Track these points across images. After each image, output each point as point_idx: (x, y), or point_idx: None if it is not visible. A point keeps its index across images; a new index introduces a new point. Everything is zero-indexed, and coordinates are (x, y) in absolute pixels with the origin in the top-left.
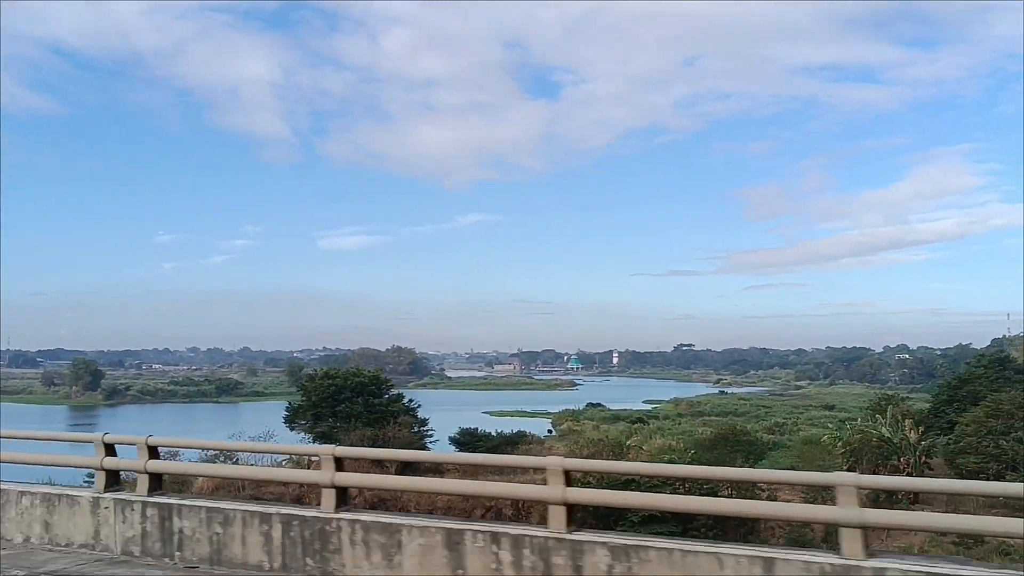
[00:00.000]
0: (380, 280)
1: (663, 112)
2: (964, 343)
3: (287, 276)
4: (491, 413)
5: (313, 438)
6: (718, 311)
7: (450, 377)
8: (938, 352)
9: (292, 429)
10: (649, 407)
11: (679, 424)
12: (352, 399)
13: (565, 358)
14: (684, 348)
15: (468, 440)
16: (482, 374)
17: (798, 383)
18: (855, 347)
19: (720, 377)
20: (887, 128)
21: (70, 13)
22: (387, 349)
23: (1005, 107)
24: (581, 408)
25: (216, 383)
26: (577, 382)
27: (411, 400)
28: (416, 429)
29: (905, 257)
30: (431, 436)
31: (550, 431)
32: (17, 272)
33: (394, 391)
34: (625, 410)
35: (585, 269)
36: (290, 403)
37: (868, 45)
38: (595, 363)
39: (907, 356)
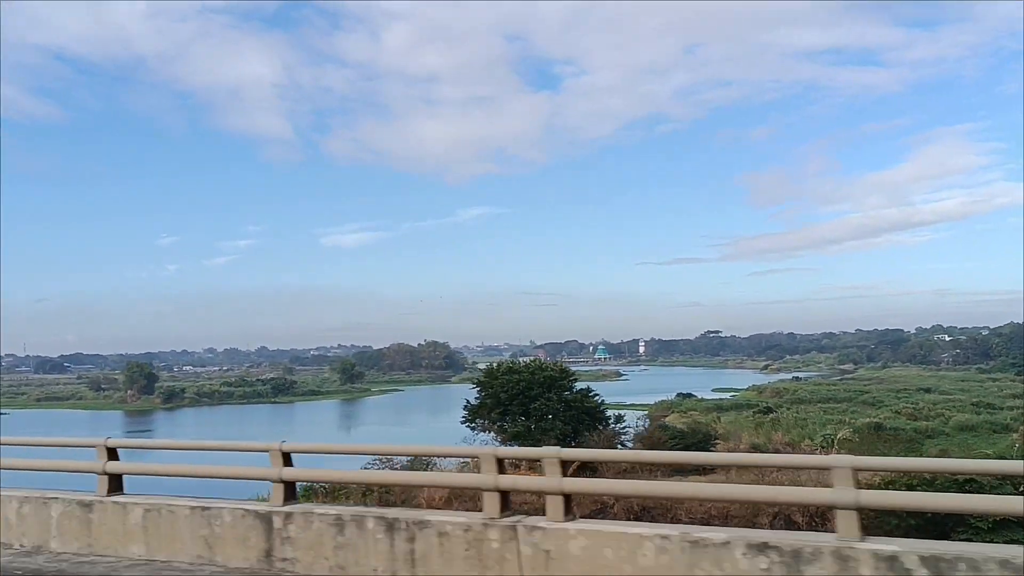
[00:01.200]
0: (385, 275)
1: (664, 101)
2: (979, 324)
3: (290, 274)
4: None
5: (503, 439)
6: (727, 297)
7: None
8: (986, 331)
9: (474, 429)
10: (725, 395)
11: (798, 412)
12: (544, 395)
13: (590, 348)
14: (711, 335)
15: (653, 438)
16: None
17: (841, 366)
18: (887, 329)
19: (767, 363)
20: (889, 110)
21: (72, 19)
22: (420, 344)
23: (1007, 86)
24: (672, 399)
25: (270, 383)
26: (622, 373)
27: (596, 394)
28: (609, 425)
29: (909, 239)
30: (626, 434)
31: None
32: (21, 278)
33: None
34: (716, 400)
35: (589, 260)
36: (468, 400)
37: (869, 27)
38: (622, 353)
39: (946, 337)
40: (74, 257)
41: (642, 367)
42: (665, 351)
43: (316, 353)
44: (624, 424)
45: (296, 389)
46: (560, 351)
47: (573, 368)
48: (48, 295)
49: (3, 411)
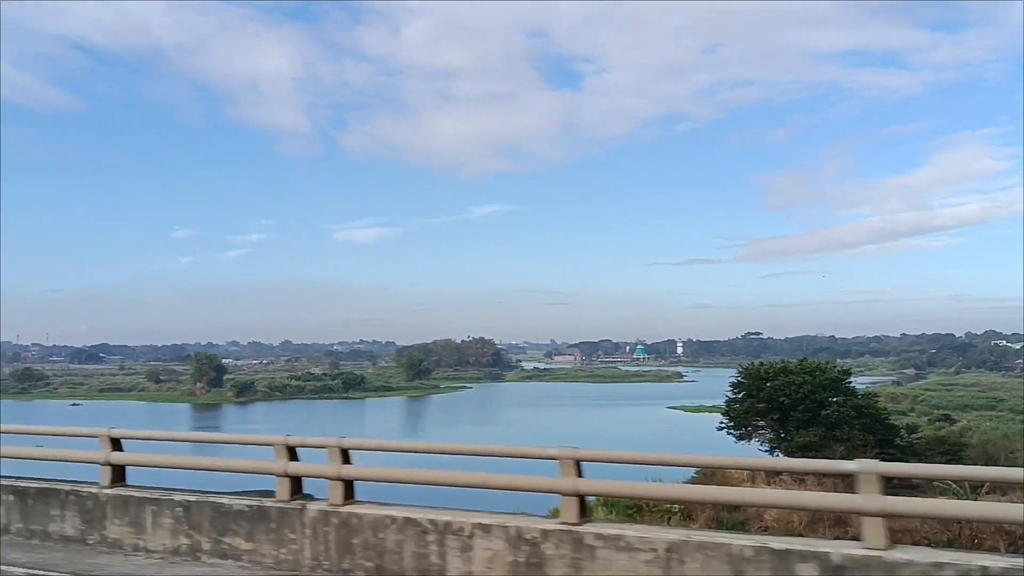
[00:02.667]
0: (397, 271)
1: (683, 100)
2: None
3: (301, 269)
4: (679, 408)
5: (785, 449)
6: (742, 299)
7: (538, 368)
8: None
9: (740, 438)
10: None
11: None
12: (833, 399)
13: (627, 348)
14: (751, 337)
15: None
16: (544, 366)
17: (903, 371)
18: (936, 333)
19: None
20: (910, 113)
21: (94, 9)
22: (464, 340)
23: None
24: None
25: (339, 377)
26: (683, 374)
27: (877, 398)
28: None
29: (926, 243)
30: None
31: None
32: (36, 267)
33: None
34: None
35: (601, 259)
36: (728, 405)
37: (892, 29)
38: (660, 353)
39: (1003, 342)
40: (88, 248)
41: (693, 368)
42: (705, 352)
43: (339, 348)
44: (918, 434)
45: (365, 385)
46: (595, 350)
47: (625, 368)
48: (63, 285)
49: (76, 402)
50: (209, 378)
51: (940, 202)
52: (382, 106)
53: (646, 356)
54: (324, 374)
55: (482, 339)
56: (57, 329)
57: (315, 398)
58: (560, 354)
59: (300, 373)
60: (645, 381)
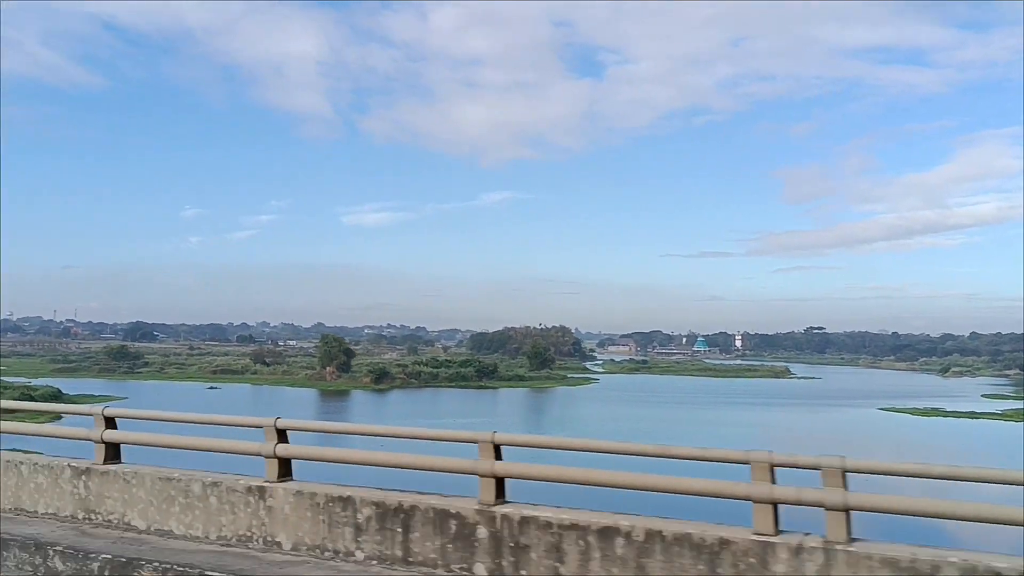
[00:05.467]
0: (414, 256)
1: (706, 92)
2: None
3: (313, 251)
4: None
5: None
6: (756, 293)
7: (611, 360)
8: None
9: None
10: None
11: None
12: None
13: (682, 339)
14: (814, 331)
15: None
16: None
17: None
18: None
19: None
20: (932, 111)
21: None
22: (542, 327)
23: None
24: None
25: (473, 365)
26: (791, 371)
27: None
28: None
29: (941, 241)
30: None
31: None
32: (47, 244)
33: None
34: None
35: (615, 250)
36: None
37: (920, 26)
38: (719, 346)
39: None
40: (99, 225)
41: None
42: (766, 346)
43: (371, 332)
44: None
45: (498, 374)
46: (649, 341)
47: (668, 358)
48: (73, 262)
49: (213, 385)
50: (339, 362)
51: (957, 200)
52: (405, 92)
53: (706, 348)
54: (446, 360)
55: (562, 327)
56: (69, 305)
57: (450, 386)
58: (614, 344)
59: (424, 359)
60: (757, 376)
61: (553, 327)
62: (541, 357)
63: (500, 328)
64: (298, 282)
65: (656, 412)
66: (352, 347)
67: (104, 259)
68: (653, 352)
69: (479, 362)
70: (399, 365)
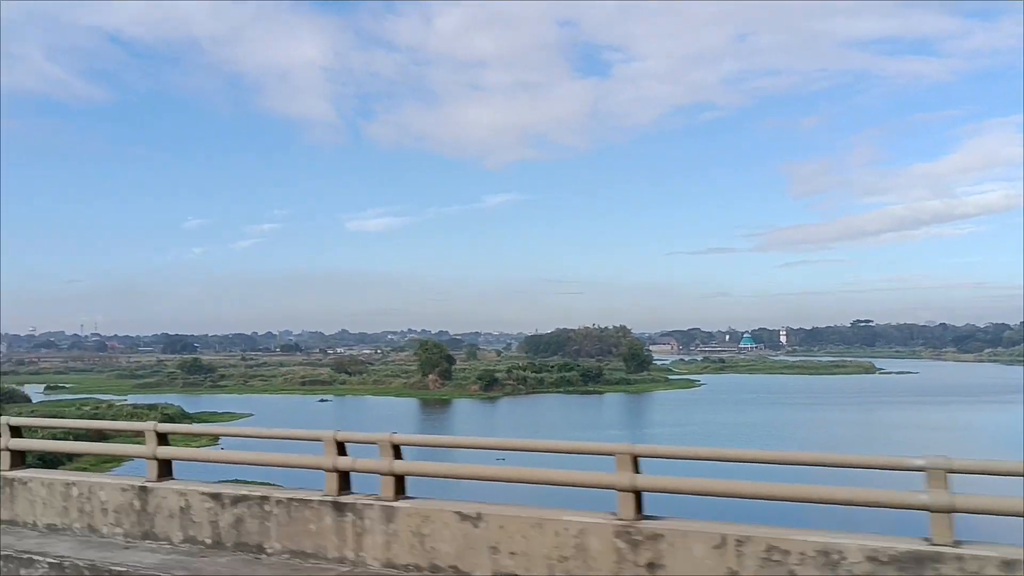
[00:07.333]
0: (415, 260)
1: (711, 88)
2: None
3: (315, 258)
4: None
5: None
6: (764, 288)
7: (711, 359)
8: None
9: None
10: None
11: None
12: None
13: (726, 337)
14: (861, 324)
15: None
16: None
17: None
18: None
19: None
20: (939, 100)
21: (130, 3)
22: (596, 327)
23: None
24: None
25: (577, 370)
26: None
27: None
28: None
29: (948, 231)
30: None
31: None
32: (49, 258)
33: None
34: None
35: (619, 248)
36: None
37: (926, 16)
38: (763, 342)
39: None
40: (102, 238)
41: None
42: (812, 341)
43: (393, 337)
44: None
45: (602, 379)
46: (691, 340)
47: (719, 355)
48: (77, 276)
49: (324, 398)
50: (442, 370)
51: (964, 190)
52: (410, 96)
53: (753, 345)
54: (547, 366)
55: (621, 327)
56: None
57: (558, 391)
58: (655, 343)
59: (523, 364)
60: (844, 372)
61: (611, 328)
62: (639, 359)
63: (552, 330)
64: (307, 290)
65: (812, 416)
66: (397, 353)
67: (118, 270)
68: (696, 350)
69: (578, 366)
70: (507, 371)
